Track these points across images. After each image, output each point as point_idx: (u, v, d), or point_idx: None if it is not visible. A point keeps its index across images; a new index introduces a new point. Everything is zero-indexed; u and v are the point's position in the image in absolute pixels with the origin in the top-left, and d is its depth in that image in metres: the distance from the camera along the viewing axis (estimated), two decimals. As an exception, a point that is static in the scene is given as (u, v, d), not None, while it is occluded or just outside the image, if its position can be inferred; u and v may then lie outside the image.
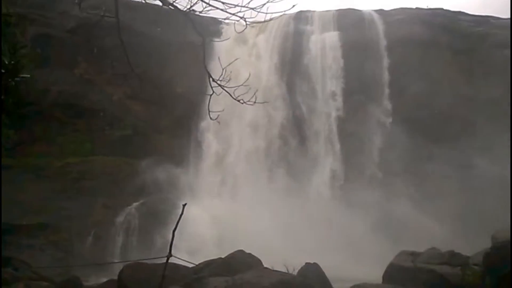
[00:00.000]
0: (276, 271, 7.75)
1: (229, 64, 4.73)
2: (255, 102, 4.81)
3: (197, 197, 21.56)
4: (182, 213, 4.92)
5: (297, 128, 24.38)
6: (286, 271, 9.80)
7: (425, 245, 12.44)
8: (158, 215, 19.54)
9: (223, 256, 11.52)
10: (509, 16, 28.35)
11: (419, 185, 21.32)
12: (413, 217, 19.25)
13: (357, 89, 24.14)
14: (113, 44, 19.91)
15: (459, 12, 28.24)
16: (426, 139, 22.26)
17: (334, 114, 24.15)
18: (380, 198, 20.38)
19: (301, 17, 27.07)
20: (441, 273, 9.89)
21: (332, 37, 25.72)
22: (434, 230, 18.18)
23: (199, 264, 10.85)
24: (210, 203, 21.14)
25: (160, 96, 23.83)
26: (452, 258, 10.59)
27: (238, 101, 4.73)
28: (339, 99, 24.26)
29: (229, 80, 4.62)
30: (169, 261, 5.15)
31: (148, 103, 25.05)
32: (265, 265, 10.47)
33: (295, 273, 10.53)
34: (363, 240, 18.65)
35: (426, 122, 22.94)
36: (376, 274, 12.20)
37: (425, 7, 29.00)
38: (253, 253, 11.68)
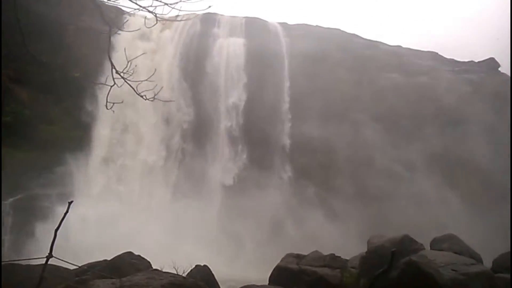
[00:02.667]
0: (166, 272, 7.60)
1: (136, 58, 4.54)
2: (153, 99, 4.66)
3: (84, 194, 20.22)
4: (67, 211, 4.59)
5: (197, 129, 24.22)
6: (176, 273, 9.65)
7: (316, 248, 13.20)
8: (37, 212, 17.83)
9: (109, 258, 10.96)
10: (395, 44, 31.86)
11: (321, 188, 22.52)
12: (311, 222, 20.28)
13: (258, 96, 24.82)
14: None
15: (354, 34, 30.85)
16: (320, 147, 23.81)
17: (235, 117, 24.49)
18: (275, 203, 21.15)
19: (209, 19, 27.14)
20: (322, 274, 10.56)
21: (238, 43, 26.22)
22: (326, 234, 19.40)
23: (82, 266, 10.16)
24: (98, 202, 19.92)
25: (52, 82, 21.88)
26: (333, 261, 11.38)
27: (141, 96, 4.57)
28: (241, 103, 24.69)
29: (132, 74, 4.43)
30: (49, 262, 4.75)
31: (36, 90, 22.81)
32: (154, 267, 10.20)
33: (185, 275, 10.42)
34: (254, 243, 19.19)
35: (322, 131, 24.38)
36: (265, 276, 12.62)
37: (324, 26, 31.23)
38: (142, 255, 11.31)
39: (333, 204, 21.61)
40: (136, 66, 4.42)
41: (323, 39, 28.12)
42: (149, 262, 11.02)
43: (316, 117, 24.25)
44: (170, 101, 20.48)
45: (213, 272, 12.13)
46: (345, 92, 25.83)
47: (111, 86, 4.58)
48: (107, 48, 4.77)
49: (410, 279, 7.79)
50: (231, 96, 24.80)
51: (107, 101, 4.86)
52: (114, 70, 4.47)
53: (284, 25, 29.05)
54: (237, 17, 28.79)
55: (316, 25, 30.81)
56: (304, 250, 13.11)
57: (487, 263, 10.70)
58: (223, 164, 23.41)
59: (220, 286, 11.82)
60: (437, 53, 31.98)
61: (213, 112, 24.42)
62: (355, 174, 23.32)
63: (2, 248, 17.22)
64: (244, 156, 23.57)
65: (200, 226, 19.47)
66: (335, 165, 23.64)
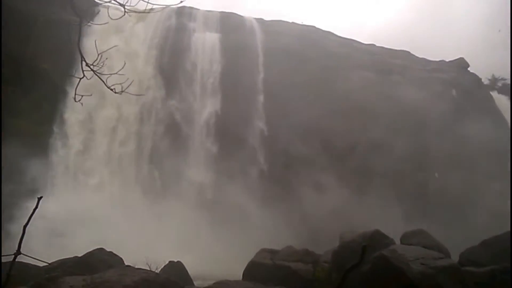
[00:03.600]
0: (139, 269, 7.51)
1: (107, 50, 4.44)
2: (122, 92, 4.57)
3: (54, 191, 19.72)
4: (36, 207, 4.44)
5: (171, 125, 23.89)
6: (149, 269, 9.57)
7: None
8: (5, 208, 17.24)
9: (79, 255, 10.76)
10: (368, 42, 32.35)
11: (291, 190, 22.65)
12: (281, 219, 20.38)
13: (232, 91, 24.70)
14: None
15: (329, 32, 31.13)
16: (298, 144, 23.94)
17: (210, 115, 24.26)
18: (250, 199, 21.16)
19: (184, 13, 26.86)
20: (296, 269, 10.71)
21: (214, 38, 26.04)
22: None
23: (53, 263, 9.94)
24: (69, 198, 19.43)
25: (18, 74, 21.17)
26: (306, 256, 11.56)
27: (111, 89, 4.47)
28: (217, 100, 24.50)
29: (102, 66, 4.33)
30: (17, 259, 4.59)
31: (3, 82, 22.00)
32: (127, 264, 10.07)
33: (158, 271, 10.35)
34: (227, 239, 19.15)
35: (297, 130, 24.54)
36: (239, 272, 12.66)
37: (300, 23, 31.42)
38: (114, 252, 11.15)
39: (306, 197, 21.81)
40: (107, 59, 4.33)
41: (298, 36, 28.27)
42: (121, 259, 10.90)
43: (290, 113, 24.36)
44: (141, 95, 20.11)
45: (187, 268, 12.12)
46: (319, 89, 26.03)
47: (80, 79, 4.47)
48: (77, 40, 4.64)
49: (381, 273, 7.98)
50: (207, 90, 24.59)
51: (75, 94, 4.75)
52: (84, 63, 4.36)
53: (260, 21, 29.02)
54: (212, 11, 28.59)
55: (292, 22, 30.97)
56: (278, 245, 13.23)
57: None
58: (197, 160, 23.19)
59: (194, 282, 11.81)
60: (409, 52, 32.68)
61: (187, 105, 24.14)
62: (330, 168, 23.61)
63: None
64: (217, 151, 23.37)
65: (174, 222, 19.29)
66: (309, 159, 23.83)
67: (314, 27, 30.95)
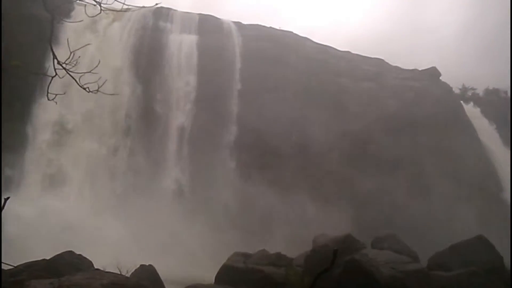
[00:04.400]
0: (108, 272, 7.35)
1: (79, 48, 4.34)
2: (97, 91, 4.48)
3: (24, 190, 19.14)
4: (2, 208, 4.30)
5: (146, 125, 23.53)
6: (119, 273, 9.39)
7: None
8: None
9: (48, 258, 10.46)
10: (344, 50, 32.86)
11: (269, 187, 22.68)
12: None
13: (209, 94, 24.60)
14: None
15: (306, 38, 31.44)
16: (272, 147, 24.06)
17: (186, 116, 24.07)
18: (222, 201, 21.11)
19: (161, 13, 26.60)
20: (268, 273, 10.72)
21: (191, 39, 25.87)
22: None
23: (18, 266, 9.61)
24: (39, 199, 18.87)
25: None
26: (278, 259, 11.60)
27: (84, 88, 4.38)
28: (192, 100, 24.33)
29: (75, 64, 4.24)
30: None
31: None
32: (97, 267, 9.86)
33: (128, 275, 10.17)
34: (201, 243, 19.00)
35: (272, 134, 24.62)
36: (212, 275, 12.56)
37: (278, 27, 31.60)
38: (84, 255, 10.90)
39: (281, 196, 21.94)
40: (79, 57, 4.24)
41: (276, 41, 28.43)
42: (91, 262, 10.65)
43: (266, 117, 24.46)
44: (115, 94, 19.73)
45: (160, 272, 11.93)
46: (295, 94, 26.22)
47: (52, 77, 4.36)
48: (49, 37, 4.53)
49: (352, 277, 8.11)
50: (183, 92, 24.39)
51: (47, 92, 4.63)
52: (55, 61, 4.26)
53: (238, 24, 29.03)
54: (190, 13, 28.41)
55: (270, 27, 31.10)
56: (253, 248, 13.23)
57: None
58: (172, 162, 22.94)
59: (166, 286, 11.64)
60: (383, 60, 33.33)
61: (163, 107, 23.87)
62: (305, 170, 23.85)
63: None
64: (192, 152, 23.16)
65: (147, 224, 18.97)
66: (284, 162, 23.98)
67: (292, 32, 31.21)
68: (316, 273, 7.99)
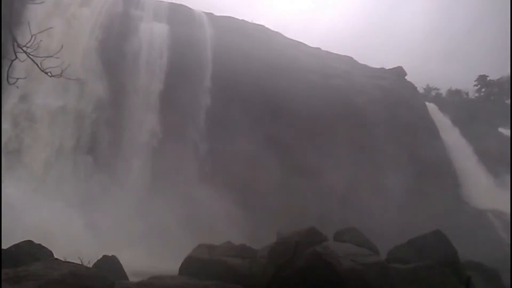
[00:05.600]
0: (67, 262, 7.20)
1: (40, 32, 4.22)
2: (60, 76, 4.38)
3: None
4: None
5: (112, 113, 22.88)
6: (80, 263, 9.21)
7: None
8: None
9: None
10: (314, 46, 33.23)
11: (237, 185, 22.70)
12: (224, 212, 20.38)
13: (178, 85, 24.25)
14: None
15: (278, 33, 31.58)
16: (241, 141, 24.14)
17: (152, 103, 23.59)
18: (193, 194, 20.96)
19: (131, 0, 26.02)
20: (232, 264, 10.78)
21: (162, 28, 25.41)
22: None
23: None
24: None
25: None
26: (243, 251, 11.67)
27: (46, 73, 4.26)
28: (160, 90, 23.90)
29: (37, 48, 4.13)
30: None
31: None
32: (57, 257, 9.62)
33: (90, 265, 9.98)
34: (167, 235, 18.83)
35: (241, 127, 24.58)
36: (177, 267, 12.49)
37: (250, 21, 31.56)
38: (43, 245, 10.60)
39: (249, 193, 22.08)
40: (41, 40, 4.12)
41: (248, 34, 28.42)
42: (51, 252, 10.36)
43: (235, 110, 24.48)
44: (79, 79, 19.13)
45: (124, 263, 11.76)
46: (265, 88, 26.33)
47: (12, 60, 4.23)
48: (8, 19, 4.39)
49: (314, 268, 8.28)
50: (150, 81, 23.92)
51: (8, 76, 4.49)
52: (16, 43, 4.13)
53: (209, 15, 28.79)
54: (162, 1, 27.95)
55: (242, 19, 31.01)
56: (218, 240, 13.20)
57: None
58: (136, 153, 22.50)
59: (129, 277, 11.50)
60: (352, 58, 33.98)
61: (130, 96, 23.35)
62: (275, 164, 24.07)
63: None
64: (155, 146, 22.81)
65: (112, 214, 18.60)
66: (253, 156, 24.10)
67: (264, 26, 31.27)
68: (277, 263, 8.18)
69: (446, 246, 11.22)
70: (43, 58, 4.22)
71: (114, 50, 23.70)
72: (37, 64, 4.22)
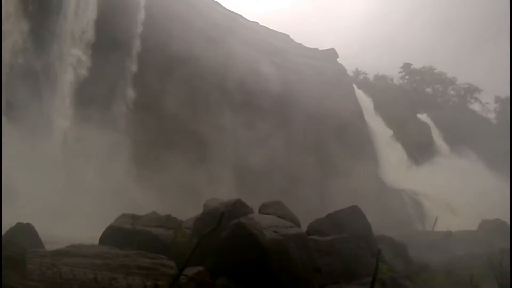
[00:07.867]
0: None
1: None
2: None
3: None
4: None
5: (32, 72, 21.02)
6: (-9, 231, 8.64)
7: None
8: None
9: None
10: (252, 20, 33.02)
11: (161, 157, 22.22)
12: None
13: (105, 46, 22.78)
14: None
15: (216, 2, 30.88)
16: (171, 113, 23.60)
17: (77, 65, 22.12)
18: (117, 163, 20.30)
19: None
20: (156, 234, 10.70)
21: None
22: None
23: None
24: None
25: None
26: (168, 221, 11.60)
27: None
28: (86, 53, 22.44)
29: None
30: None
31: None
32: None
33: (2, 233, 9.40)
34: (87, 203, 18.13)
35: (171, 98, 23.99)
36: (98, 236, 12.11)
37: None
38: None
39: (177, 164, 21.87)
40: None
41: (185, 2, 27.43)
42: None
43: (165, 75, 23.83)
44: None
45: (41, 232, 11.17)
46: (200, 60, 25.83)
47: None
48: None
49: (237, 239, 8.50)
50: (76, 40, 22.31)
51: None
52: None
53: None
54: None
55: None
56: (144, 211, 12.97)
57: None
58: (63, 109, 21.17)
59: (45, 246, 10.99)
60: (288, 36, 34.35)
61: (52, 55, 21.64)
62: (208, 138, 23.99)
63: None
64: (78, 108, 21.57)
65: (35, 181, 17.40)
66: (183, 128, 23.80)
67: (202, -6, 30.37)
68: (201, 233, 8.26)
69: (362, 220, 12.03)
70: None
71: (38, 5, 21.64)
72: None
